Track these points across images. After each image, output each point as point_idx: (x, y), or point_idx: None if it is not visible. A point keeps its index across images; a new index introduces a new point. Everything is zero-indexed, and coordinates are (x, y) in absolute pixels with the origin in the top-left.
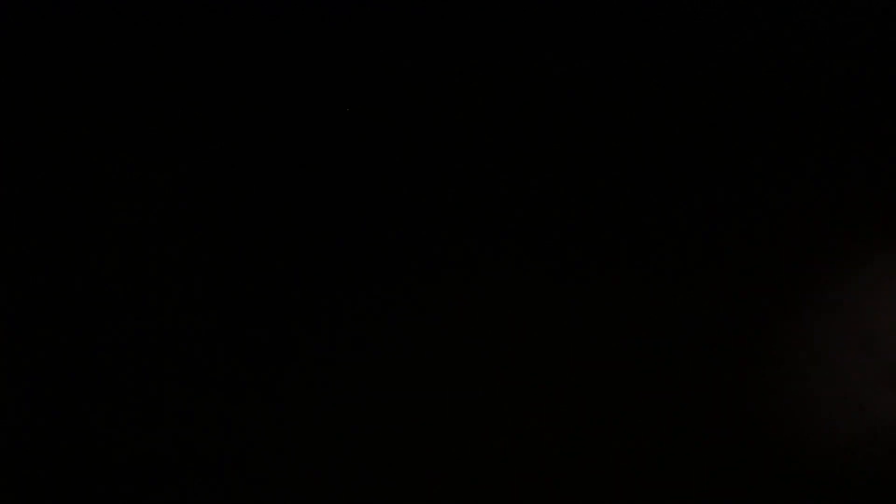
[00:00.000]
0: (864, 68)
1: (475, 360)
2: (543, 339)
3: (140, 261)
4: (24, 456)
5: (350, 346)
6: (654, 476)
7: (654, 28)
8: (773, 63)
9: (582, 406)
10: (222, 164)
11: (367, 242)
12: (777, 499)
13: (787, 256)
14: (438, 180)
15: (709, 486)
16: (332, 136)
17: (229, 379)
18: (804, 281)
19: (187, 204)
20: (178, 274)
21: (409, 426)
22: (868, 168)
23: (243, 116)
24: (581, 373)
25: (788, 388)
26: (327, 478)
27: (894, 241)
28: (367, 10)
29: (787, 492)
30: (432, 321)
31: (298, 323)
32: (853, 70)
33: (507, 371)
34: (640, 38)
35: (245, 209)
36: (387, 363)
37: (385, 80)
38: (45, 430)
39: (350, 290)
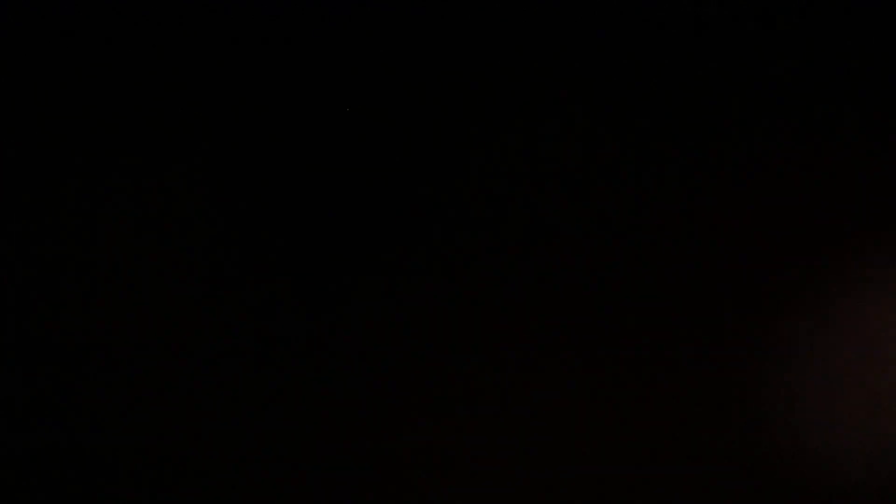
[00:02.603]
0: (865, 69)
1: (474, 360)
2: (542, 338)
3: (138, 260)
4: (23, 456)
5: (347, 346)
6: (653, 476)
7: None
8: (771, 63)
9: (580, 406)
10: (221, 165)
11: (365, 243)
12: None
13: (787, 257)
14: (438, 180)
15: (708, 489)
16: (333, 136)
17: (228, 379)
18: (803, 283)
19: (185, 204)
20: (177, 274)
21: (406, 426)
22: (869, 168)
23: (243, 116)
24: (579, 373)
25: (789, 391)
26: (327, 478)
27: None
28: (366, 10)
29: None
30: (431, 320)
31: (296, 323)
32: (853, 70)
33: (505, 371)
34: (639, 38)
35: (244, 209)
36: (384, 362)
37: (385, 80)
38: (44, 430)
39: (348, 290)
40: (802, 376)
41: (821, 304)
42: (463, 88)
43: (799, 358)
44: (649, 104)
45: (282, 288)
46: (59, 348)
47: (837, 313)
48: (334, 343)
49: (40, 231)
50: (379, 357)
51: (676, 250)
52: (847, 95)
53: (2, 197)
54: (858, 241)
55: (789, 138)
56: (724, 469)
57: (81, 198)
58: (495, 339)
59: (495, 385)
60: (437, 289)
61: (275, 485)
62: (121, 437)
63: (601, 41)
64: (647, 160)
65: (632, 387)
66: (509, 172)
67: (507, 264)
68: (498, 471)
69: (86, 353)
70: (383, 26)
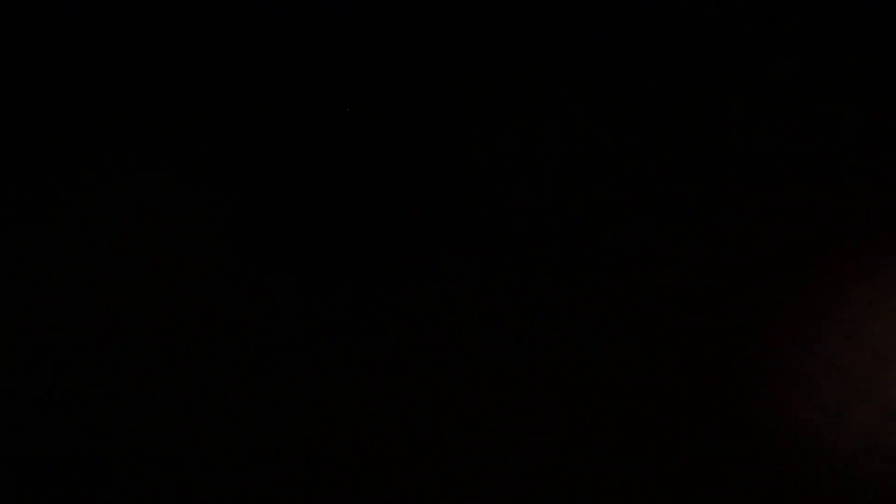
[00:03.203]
0: (864, 69)
1: (475, 363)
2: (541, 341)
3: (137, 261)
4: (24, 456)
5: (348, 349)
6: (646, 481)
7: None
8: (771, 64)
9: (578, 409)
10: (221, 165)
11: (365, 243)
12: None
13: (788, 262)
14: (438, 181)
15: (701, 491)
16: (333, 136)
17: (228, 380)
18: (802, 287)
19: (185, 205)
20: (176, 275)
21: (408, 428)
22: (869, 175)
23: (243, 116)
24: (577, 376)
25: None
26: (327, 478)
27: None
28: (366, 10)
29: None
30: (430, 322)
31: (295, 323)
32: (853, 71)
33: (505, 373)
34: (637, 38)
35: (243, 210)
36: (387, 365)
37: (385, 80)
38: (46, 430)
39: (347, 290)
40: (802, 377)
41: (821, 303)
42: (463, 89)
43: (798, 359)
44: (649, 104)
45: (283, 289)
46: (60, 348)
47: (838, 313)
48: (336, 344)
49: (42, 231)
50: (379, 357)
51: (676, 250)
52: (847, 95)
53: (3, 197)
54: (859, 243)
55: (789, 139)
56: (723, 469)
57: (87, 199)
58: (492, 339)
59: (494, 385)
60: (437, 289)
61: (276, 485)
62: (123, 437)
63: (601, 42)
64: (647, 161)
65: (631, 388)
66: (508, 173)
67: (506, 265)
68: (497, 470)
69: (88, 354)
70: (383, 27)
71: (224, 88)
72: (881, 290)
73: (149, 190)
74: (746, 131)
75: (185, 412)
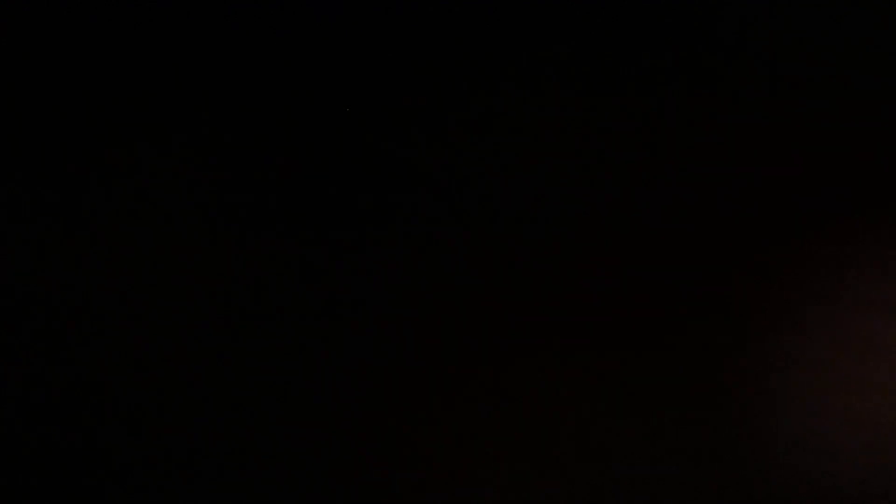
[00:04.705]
0: (863, 68)
1: (472, 359)
2: (537, 336)
3: (137, 261)
4: (23, 456)
5: (343, 346)
6: (640, 478)
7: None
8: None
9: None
10: (220, 165)
11: (365, 242)
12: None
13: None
14: (437, 179)
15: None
16: (332, 135)
17: (228, 381)
18: (795, 282)
19: (184, 205)
20: (176, 274)
21: (405, 424)
22: (864, 173)
23: (242, 116)
24: (570, 371)
25: (775, 391)
26: (327, 477)
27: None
28: (366, 10)
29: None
30: (426, 320)
31: (293, 320)
32: (853, 70)
33: (501, 368)
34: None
35: (242, 210)
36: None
37: (385, 79)
38: (46, 431)
39: (347, 289)
40: (799, 378)
41: (817, 304)
42: (462, 87)
43: (796, 359)
44: (646, 98)
45: (282, 288)
46: (60, 345)
47: (834, 313)
48: (337, 344)
49: (40, 229)
50: (378, 357)
51: (674, 247)
52: (846, 93)
53: (4, 198)
54: (859, 244)
55: (787, 137)
56: (720, 470)
57: (82, 195)
58: (485, 337)
59: (490, 384)
60: (436, 287)
61: (277, 483)
62: (123, 436)
63: (598, 36)
64: (643, 155)
65: (627, 386)
66: (502, 168)
67: (499, 263)
68: (495, 470)
69: (91, 355)
70: (382, 26)
71: (223, 88)
72: (881, 290)
73: (143, 181)
74: (743, 128)
75: (182, 408)
